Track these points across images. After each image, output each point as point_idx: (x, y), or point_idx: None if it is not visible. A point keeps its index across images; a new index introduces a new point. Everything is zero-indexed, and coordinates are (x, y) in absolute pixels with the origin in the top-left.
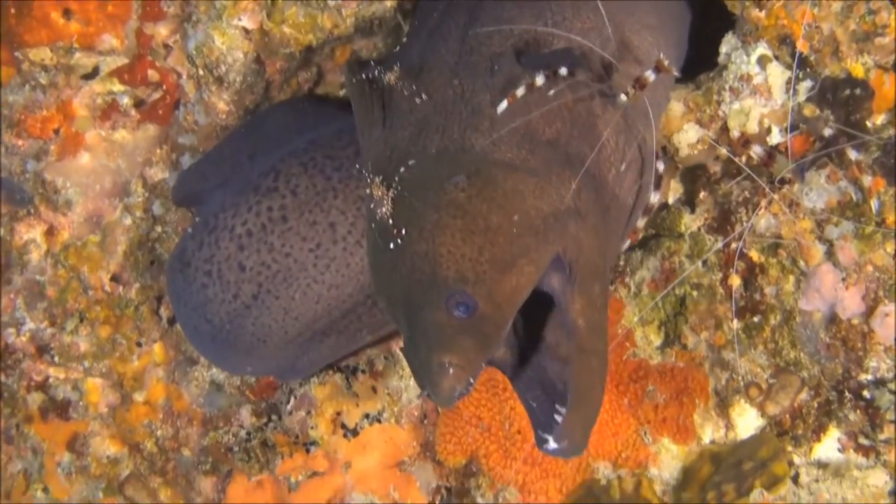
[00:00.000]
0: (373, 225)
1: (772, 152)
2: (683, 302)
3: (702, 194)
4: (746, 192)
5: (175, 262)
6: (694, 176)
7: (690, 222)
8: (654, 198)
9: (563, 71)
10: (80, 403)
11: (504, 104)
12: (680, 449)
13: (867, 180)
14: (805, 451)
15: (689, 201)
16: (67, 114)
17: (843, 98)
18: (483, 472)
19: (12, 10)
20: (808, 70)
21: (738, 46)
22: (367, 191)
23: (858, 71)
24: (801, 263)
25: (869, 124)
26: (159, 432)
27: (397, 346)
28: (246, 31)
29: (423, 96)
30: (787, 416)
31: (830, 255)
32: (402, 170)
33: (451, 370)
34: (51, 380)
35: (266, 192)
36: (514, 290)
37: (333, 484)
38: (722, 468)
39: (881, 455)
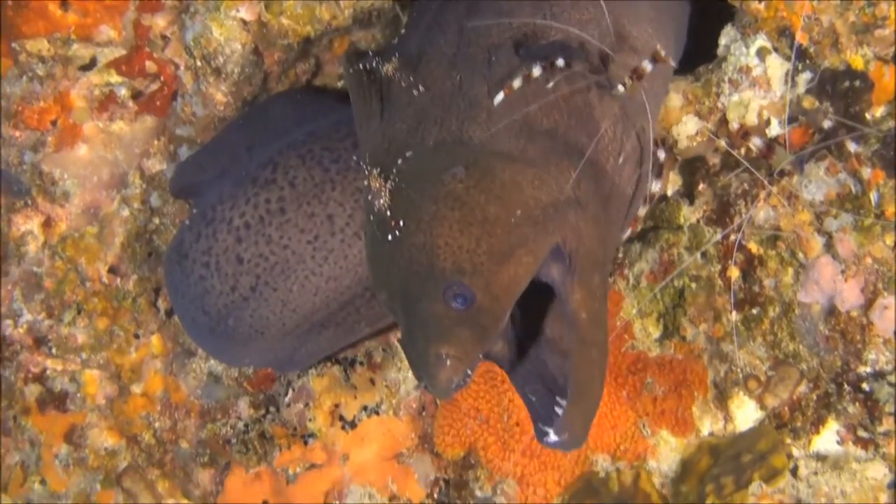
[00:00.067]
0: (371, 217)
1: (771, 144)
2: (682, 294)
3: (701, 186)
4: (745, 184)
5: (173, 254)
6: (693, 168)
7: (689, 214)
8: (656, 186)
9: (560, 62)
10: (78, 395)
11: (501, 95)
12: (678, 441)
13: (866, 172)
14: (804, 444)
15: (689, 193)
16: (65, 105)
17: (842, 90)
18: (481, 464)
19: (9, 2)
20: (808, 62)
21: (738, 38)
22: (365, 183)
23: (858, 63)
24: (800, 255)
25: (868, 116)
26: (157, 424)
27: (396, 338)
28: (244, 22)
29: (422, 88)
30: (786, 408)
31: (829, 247)
32: (399, 162)
33: (448, 361)
34: (48, 371)
35: (264, 184)
36: (512, 281)
37: (331, 476)
38: (721, 461)
39: (880, 447)
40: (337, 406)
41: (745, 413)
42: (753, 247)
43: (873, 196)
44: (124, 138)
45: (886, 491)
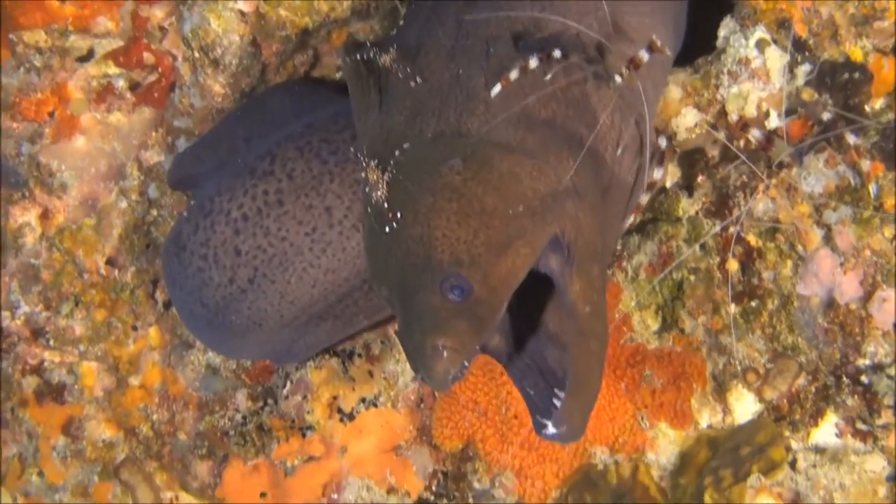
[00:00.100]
0: (368, 209)
1: (770, 136)
2: (681, 286)
3: (700, 178)
4: (744, 177)
5: (171, 246)
6: (692, 160)
7: (688, 206)
8: (658, 174)
9: (557, 53)
10: (76, 387)
11: (498, 87)
12: (677, 434)
13: (866, 164)
14: (802, 437)
15: (688, 185)
16: (62, 96)
17: (841, 82)
18: (479, 456)
19: None
20: (807, 54)
21: (737, 30)
22: (363, 174)
23: (857, 55)
24: (799, 248)
25: (868, 108)
26: (155, 416)
27: (394, 330)
28: (242, 13)
29: (420, 79)
30: (785, 400)
31: (828, 239)
32: (397, 153)
33: (444, 353)
34: (46, 363)
35: (262, 176)
36: (510, 272)
37: (329, 468)
38: (719, 453)
39: (879, 440)
40: (335, 398)
41: (744, 405)
42: (752, 239)
43: (872, 188)
44: (122, 130)
45: (885, 484)
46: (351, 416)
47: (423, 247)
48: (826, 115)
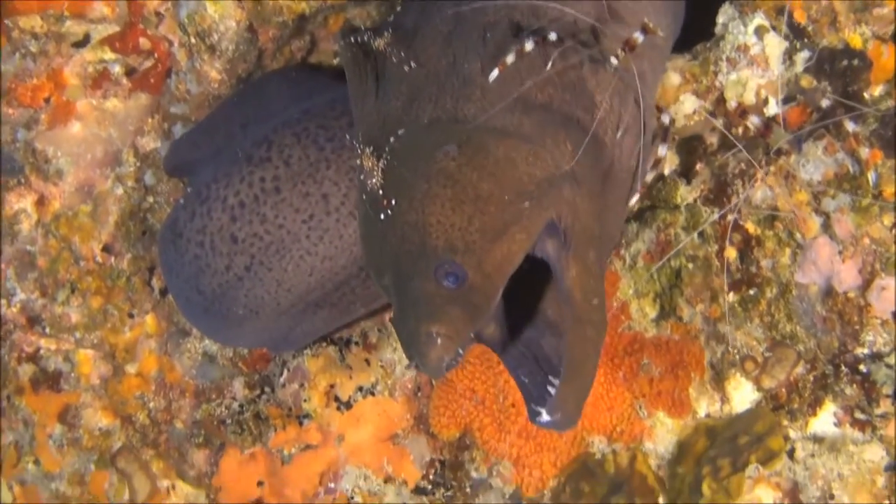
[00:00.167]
0: (363, 196)
1: (769, 123)
2: (679, 274)
3: (698, 165)
4: (743, 164)
5: (167, 233)
6: (690, 147)
7: (686, 194)
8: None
9: (553, 36)
10: (72, 375)
11: (496, 72)
12: (675, 423)
13: (864, 152)
14: (801, 426)
15: (686, 172)
16: (58, 82)
17: (840, 69)
18: (477, 445)
19: None
20: (806, 41)
21: (736, 17)
22: (358, 161)
23: (856, 41)
24: (798, 236)
25: (867, 95)
26: (151, 404)
27: (391, 318)
28: None
29: (416, 65)
30: (783, 389)
31: (827, 227)
32: (392, 140)
33: (438, 340)
34: (42, 351)
35: (259, 163)
36: (505, 258)
37: (327, 457)
38: (717, 442)
39: (877, 430)
40: (332, 386)
41: (742, 394)
42: (751, 227)
43: (871, 176)
44: (118, 116)
45: (883, 474)
46: (348, 405)
47: (418, 233)
48: (825, 103)
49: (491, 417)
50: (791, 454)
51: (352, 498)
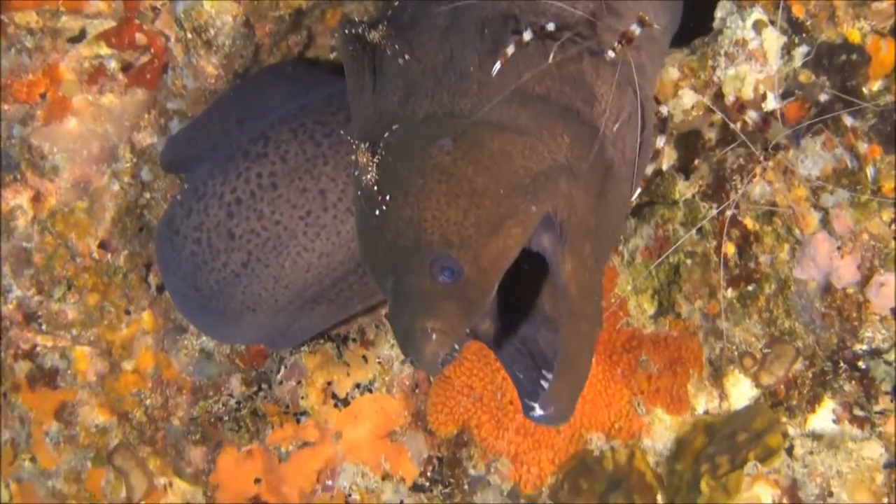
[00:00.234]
0: (359, 192)
1: (767, 117)
2: (677, 270)
3: (696, 161)
4: (741, 160)
5: (163, 230)
6: (689, 142)
7: (685, 189)
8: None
9: (551, 26)
10: (68, 372)
11: (497, 65)
12: (673, 419)
13: (863, 147)
14: (799, 423)
15: (684, 168)
16: (54, 78)
17: (839, 64)
18: (475, 442)
19: None
20: (804, 35)
21: (734, 11)
22: (353, 157)
23: (855, 36)
24: (797, 231)
25: (865, 91)
26: (148, 401)
27: (386, 313)
28: None
29: (413, 60)
30: (782, 386)
31: (826, 223)
32: (387, 135)
33: (433, 336)
34: (38, 348)
35: (255, 159)
36: (501, 253)
37: (324, 454)
38: (716, 439)
39: (876, 426)
40: (329, 383)
41: (741, 391)
42: (749, 222)
43: (870, 171)
44: (114, 111)
45: (882, 471)
46: (345, 402)
47: (413, 229)
48: (823, 97)
49: (489, 414)
50: (790, 451)
51: (349, 495)
